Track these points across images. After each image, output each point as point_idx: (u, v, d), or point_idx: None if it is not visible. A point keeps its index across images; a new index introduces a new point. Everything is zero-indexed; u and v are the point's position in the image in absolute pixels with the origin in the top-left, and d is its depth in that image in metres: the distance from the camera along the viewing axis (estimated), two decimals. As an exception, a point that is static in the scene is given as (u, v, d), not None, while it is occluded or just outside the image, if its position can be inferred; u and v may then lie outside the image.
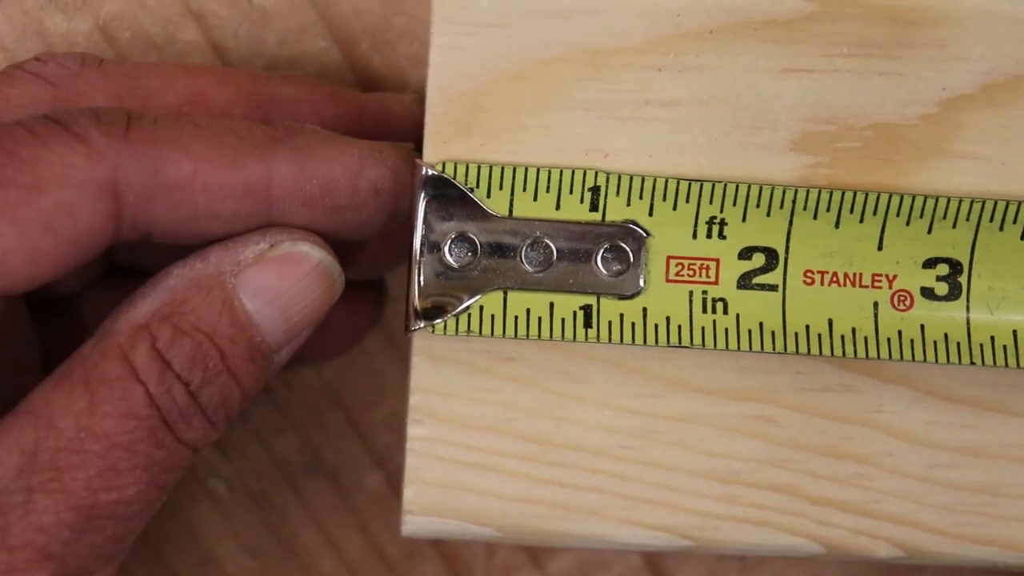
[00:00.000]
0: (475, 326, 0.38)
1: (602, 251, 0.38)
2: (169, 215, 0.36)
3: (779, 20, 0.38)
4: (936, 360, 0.38)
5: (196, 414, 0.36)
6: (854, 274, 0.38)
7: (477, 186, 0.38)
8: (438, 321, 0.38)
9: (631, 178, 0.38)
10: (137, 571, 0.46)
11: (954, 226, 0.38)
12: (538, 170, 0.38)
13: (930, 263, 0.38)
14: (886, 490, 0.39)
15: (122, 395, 0.35)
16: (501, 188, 0.38)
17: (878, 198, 0.38)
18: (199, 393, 0.36)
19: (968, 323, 0.38)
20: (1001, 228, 0.38)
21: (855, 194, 0.38)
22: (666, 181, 0.38)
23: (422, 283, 0.38)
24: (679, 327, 0.38)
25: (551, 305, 0.38)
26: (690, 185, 0.38)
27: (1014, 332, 0.38)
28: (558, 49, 0.38)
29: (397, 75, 0.44)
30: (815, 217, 0.38)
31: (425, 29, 0.41)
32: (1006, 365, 0.38)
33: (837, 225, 0.38)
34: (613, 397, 0.39)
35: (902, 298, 0.38)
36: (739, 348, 0.38)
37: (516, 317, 0.38)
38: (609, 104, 0.38)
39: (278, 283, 0.36)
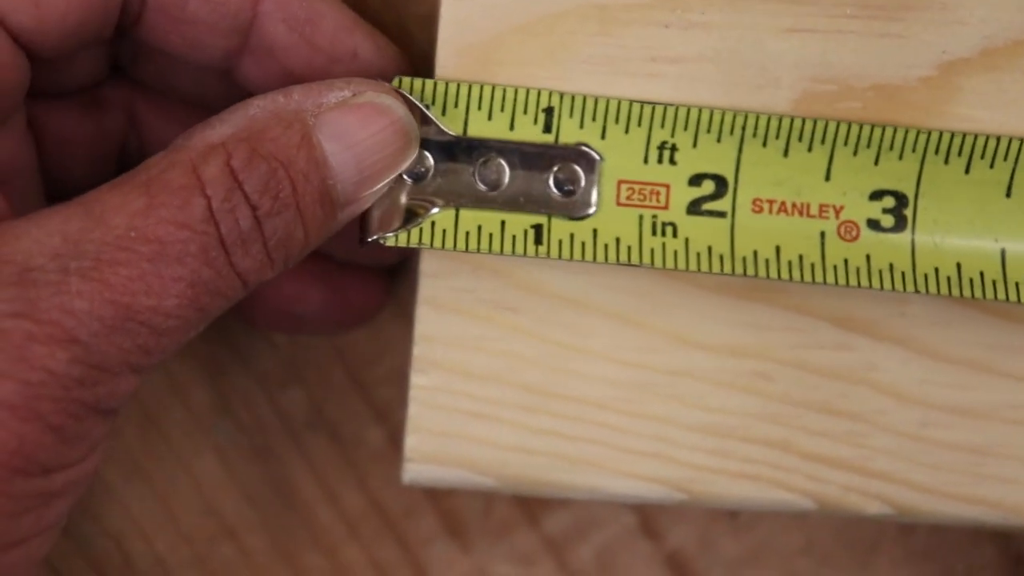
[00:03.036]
0: (427, 239, 0.38)
1: (554, 172, 0.38)
2: None
3: None
4: (881, 287, 0.38)
5: (256, 241, 0.35)
6: (802, 204, 0.38)
7: (433, 103, 0.38)
8: (390, 234, 0.38)
9: (584, 99, 0.38)
10: (142, 519, 0.46)
11: (900, 158, 0.38)
12: (492, 88, 0.38)
13: (877, 195, 0.38)
14: (878, 448, 0.39)
15: (182, 204, 0.34)
16: (456, 106, 0.38)
17: (826, 126, 0.38)
18: (265, 221, 0.35)
19: (913, 254, 0.38)
20: (947, 161, 0.38)
21: (803, 121, 0.38)
22: (619, 103, 0.38)
23: (377, 196, 0.38)
24: (628, 248, 0.38)
25: (502, 223, 0.38)
26: (642, 108, 0.38)
27: (958, 264, 0.38)
28: (566, 4, 0.38)
29: (404, 35, 0.43)
30: (764, 144, 0.38)
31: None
32: (949, 294, 0.38)
33: (786, 154, 0.38)
34: (613, 350, 0.39)
35: (848, 228, 0.38)
36: (687, 269, 0.38)
37: (467, 233, 0.38)
38: (616, 59, 0.38)
39: (358, 130, 0.36)
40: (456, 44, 0.38)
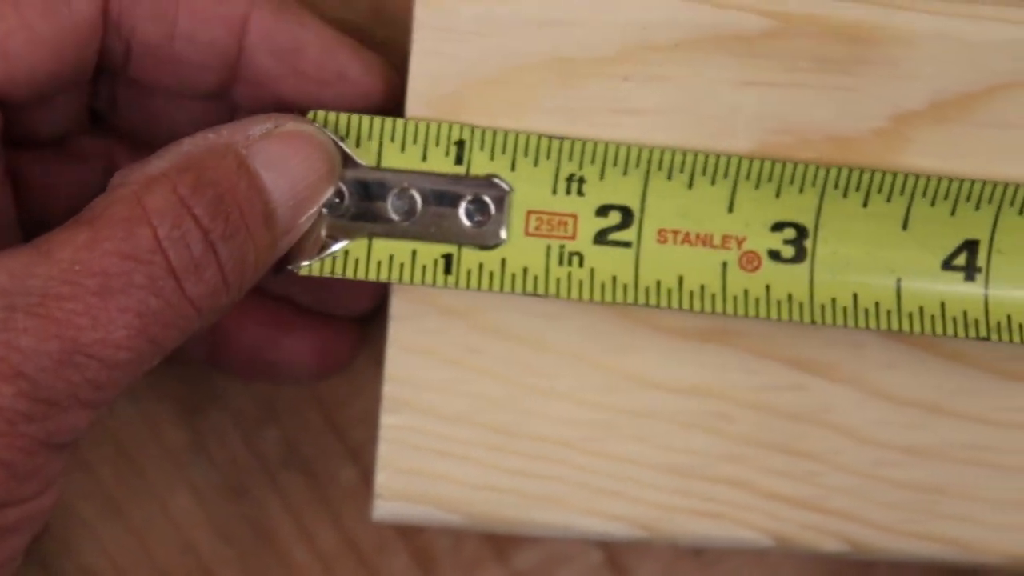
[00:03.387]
0: (339, 269, 0.38)
1: (465, 203, 0.38)
2: (149, 24, 0.37)
3: (742, 35, 0.39)
4: (779, 317, 0.38)
5: (210, 266, 0.35)
6: (705, 235, 0.38)
7: (347, 135, 0.38)
8: (304, 263, 0.38)
9: (494, 132, 0.38)
10: (118, 556, 0.46)
11: (801, 191, 0.38)
12: (405, 122, 0.38)
13: (778, 227, 0.39)
14: (835, 487, 0.40)
15: (126, 235, 0.34)
16: (370, 138, 0.38)
17: (728, 160, 0.38)
18: (219, 244, 0.35)
19: (812, 285, 0.39)
20: (845, 195, 0.38)
21: (707, 156, 0.38)
22: (527, 137, 0.38)
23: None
24: (535, 278, 0.38)
25: (414, 253, 0.38)
26: (550, 141, 0.38)
27: (855, 295, 0.39)
28: (532, 58, 0.39)
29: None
30: (669, 177, 0.38)
31: (407, 41, 0.41)
32: (845, 325, 0.39)
33: (690, 186, 0.38)
34: (577, 391, 0.40)
35: (750, 259, 0.39)
36: (591, 299, 0.38)
37: (379, 262, 0.38)
38: (579, 111, 0.39)
39: (288, 156, 0.37)
40: (425, 96, 0.39)
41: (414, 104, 0.39)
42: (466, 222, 0.39)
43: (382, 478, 0.39)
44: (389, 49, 0.43)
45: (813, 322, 0.39)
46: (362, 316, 0.45)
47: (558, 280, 0.39)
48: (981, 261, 0.39)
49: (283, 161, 0.37)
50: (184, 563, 0.46)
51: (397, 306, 0.40)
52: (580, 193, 0.39)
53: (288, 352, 0.43)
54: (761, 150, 0.39)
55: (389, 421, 0.39)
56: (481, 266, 0.39)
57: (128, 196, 0.35)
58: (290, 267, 0.38)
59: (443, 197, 0.39)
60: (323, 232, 0.38)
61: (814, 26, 0.39)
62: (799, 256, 0.39)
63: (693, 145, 0.39)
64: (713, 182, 0.38)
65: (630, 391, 0.40)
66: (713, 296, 0.39)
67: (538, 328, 0.40)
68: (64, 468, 0.35)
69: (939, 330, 0.39)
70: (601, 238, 0.39)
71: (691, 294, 0.39)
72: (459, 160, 0.39)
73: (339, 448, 0.47)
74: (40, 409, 0.33)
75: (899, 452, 0.40)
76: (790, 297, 0.39)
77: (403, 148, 0.38)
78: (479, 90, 0.39)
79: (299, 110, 0.38)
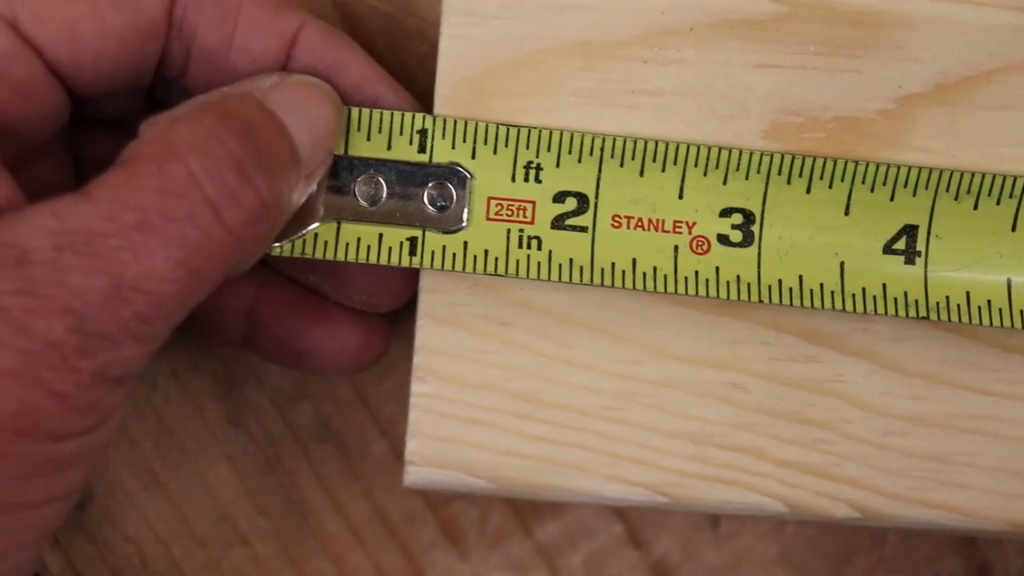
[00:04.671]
0: (309, 250, 0.39)
1: (428, 189, 0.40)
2: (210, 30, 0.38)
3: (753, 20, 0.40)
4: (728, 298, 0.39)
5: (248, 194, 0.35)
6: (657, 220, 0.39)
7: None
8: (275, 245, 0.39)
9: (455, 122, 0.39)
10: (159, 526, 0.47)
11: (747, 178, 0.39)
12: (371, 111, 0.39)
13: (726, 212, 0.39)
14: (844, 455, 0.40)
15: (159, 170, 0.35)
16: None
17: (677, 148, 0.39)
18: (254, 173, 0.36)
19: (759, 267, 0.39)
20: (789, 182, 0.39)
21: (656, 144, 0.39)
22: (487, 126, 0.39)
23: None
24: (496, 259, 0.39)
25: (380, 236, 0.39)
26: (508, 130, 0.39)
27: (800, 276, 0.39)
28: (554, 41, 0.40)
29: (407, 72, 0.45)
30: (621, 165, 0.39)
31: (434, 30, 0.43)
32: (791, 304, 0.39)
33: (642, 174, 0.39)
34: (599, 361, 0.40)
35: (700, 243, 0.39)
36: (549, 279, 0.39)
37: (347, 244, 0.39)
38: (599, 92, 0.40)
39: (300, 101, 0.38)
40: (453, 77, 0.40)
41: (443, 85, 0.40)
42: (430, 208, 0.40)
43: (413, 445, 0.40)
44: (419, 38, 0.45)
45: (760, 302, 0.39)
46: (390, 312, 0.45)
47: (517, 262, 0.40)
48: (920, 245, 0.40)
49: (297, 104, 0.38)
50: (221, 532, 0.47)
51: (427, 280, 0.41)
52: (538, 180, 0.40)
53: (318, 343, 0.44)
54: (773, 130, 0.40)
55: (420, 390, 0.40)
56: (444, 248, 0.40)
57: (157, 135, 0.35)
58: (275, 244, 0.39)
59: (407, 183, 0.40)
60: (320, 207, 0.39)
61: (822, 11, 0.40)
62: (747, 240, 0.40)
63: (708, 124, 0.40)
64: (663, 169, 0.39)
65: (649, 362, 0.41)
66: (665, 277, 0.39)
67: (563, 302, 0.40)
68: (121, 403, 0.35)
69: (880, 310, 0.39)
70: (558, 223, 0.40)
71: (644, 275, 0.39)
72: (422, 148, 0.40)
73: (370, 423, 0.47)
74: (92, 343, 0.33)
75: (905, 422, 0.41)
76: (738, 279, 0.40)
77: (369, 137, 0.40)
78: (504, 72, 0.40)
79: None
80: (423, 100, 0.42)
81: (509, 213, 0.40)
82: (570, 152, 0.39)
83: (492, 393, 0.41)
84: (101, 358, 0.34)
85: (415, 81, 0.45)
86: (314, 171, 0.38)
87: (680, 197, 0.39)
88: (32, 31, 0.37)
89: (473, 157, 0.40)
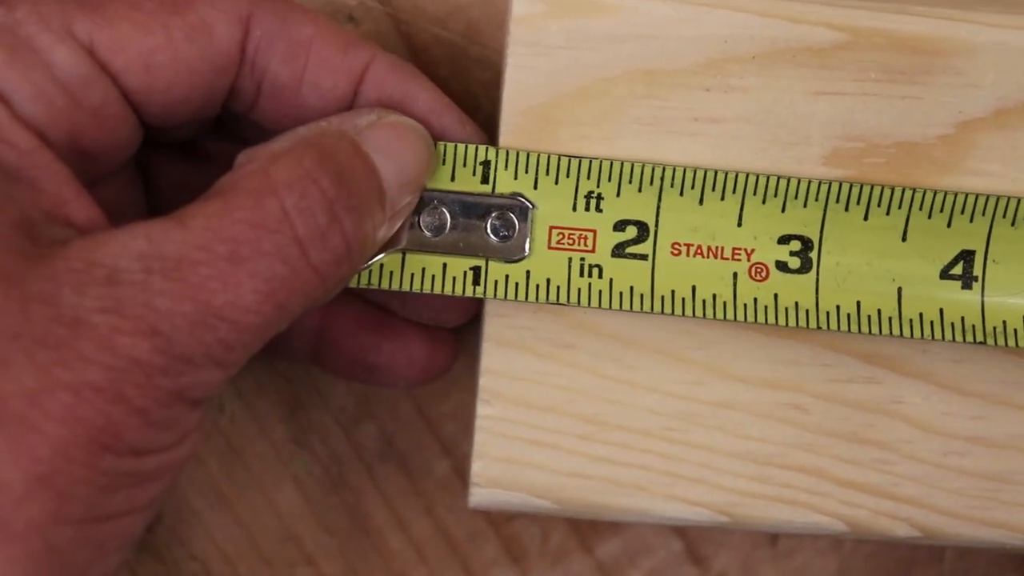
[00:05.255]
0: (375, 280, 0.40)
1: (491, 219, 0.40)
2: (281, 66, 0.39)
3: (814, 48, 0.40)
4: (787, 324, 0.40)
5: (335, 235, 0.36)
6: (716, 247, 0.40)
7: None
8: None
9: (517, 153, 0.40)
10: (226, 545, 0.47)
11: (805, 206, 0.40)
12: (435, 144, 0.40)
13: (784, 239, 0.40)
14: (904, 474, 0.41)
15: (254, 205, 0.35)
16: None
17: (736, 177, 0.40)
18: (344, 215, 0.36)
19: (817, 293, 0.40)
20: (847, 209, 0.40)
21: (715, 173, 0.40)
22: (548, 157, 0.40)
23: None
24: (558, 288, 0.40)
25: (444, 266, 0.40)
26: (569, 161, 0.40)
27: (857, 303, 0.40)
28: (617, 70, 0.40)
29: (471, 99, 0.45)
30: (681, 194, 0.40)
31: (498, 58, 0.44)
32: (849, 330, 0.40)
33: (701, 202, 0.40)
34: (660, 383, 0.41)
35: (759, 270, 0.40)
36: (611, 307, 0.40)
37: (412, 274, 0.40)
38: (662, 120, 0.40)
39: (394, 142, 0.39)
40: (519, 106, 0.40)
41: (508, 114, 0.40)
42: (492, 237, 0.40)
43: (478, 467, 0.41)
44: (482, 65, 0.45)
45: (819, 328, 0.40)
46: (456, 328, 0.45)
47: (579, 290, 0.40)
48: (977, 270, 0.40)
49: (390, 147, 0.38)
50: (287, 551, 0.47)
51: (492, 304, 0.41)
52: (598, 209, 0.40)
53: (387, 357, 0.44)
54: (834, 156, 0.40)
55: (485, 412, 0.41)
56: (507, 278, 0.40)
57: (256, 170, 0.36)
58: None
59: (471, 214, 0.40)
60: (404, 238, 0.40)
61: (882, 38, 0.40)
62: (805, 267, 0.40)
63: (769, 151, 0.40)
64: (723, 198, 0.40)
65: (711, 383, 0.41)
66: (724, 304, 0.40)
67: (625, 324, 0.41)
68: (199, 424, 0.36)
69: (937, 335, 0.40)
70: (619, 251, 0.40)
71: (704, 302, 0.40)
72: (485, 179, 0.40)
73: (433, 442, 0.48)
74: (175, 365, 0.34)
75: (965, 442, 0.41)
76: (797, 305, 0.40)
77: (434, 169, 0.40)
78: (568, 101, 0.40)
79: None
80: (488, 127, 0.42)
81: (571, 242, 0.40)
82: (630, 182, 0.40)
83: (556, 415, 0.41)
84: (183, 379, 0.35)
85: (480, 108, 0.45)
86: (401, 209, 0.39)
87: (739, 224, 0.40)
88: (109, 58, 0.37)
89: (535, 187, 0.40)
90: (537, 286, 0.40)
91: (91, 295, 0.34)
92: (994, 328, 0.40)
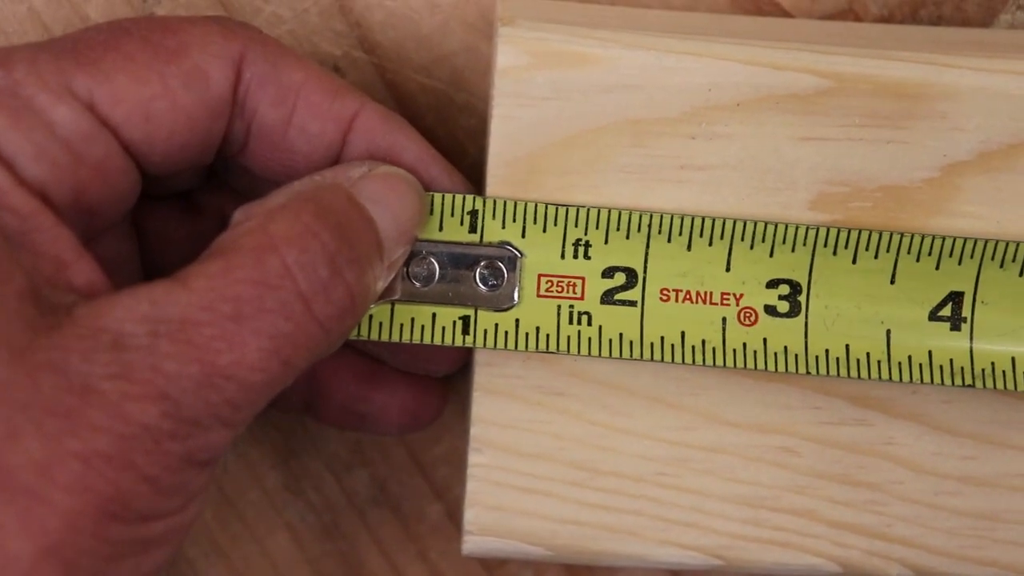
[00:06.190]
0: (364, 332, 0.40)
1: (480, 268, 0.40)
2: (270, 109, 0.39)
3: (799, 94, 0.40)
4: (776, 369, 0.40)
5: (338, 287, 0.36)
6: (705, 292, 0.40)
7: None
8: None
9: (505, 202, 0.40)
10: None
11: (793, 250, 0.40)
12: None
13: (773, 283, 0.40)
14: (897, 515, 0.41)
15: (255, 263, 0.35)
16: None
17: (723, 224, 0.40)
18: (346, 267, 0.36)
19: (806, 337, 0.40)
20: (835, 253, 0.40)
21: (703, 220, 0.40)
22: (536, 205, 0.40)
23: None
24: (547, 336, 0.40)
25: (433, 316, 0.40)
26: (556, 209, 0.40)
27: (846, 346, 0.40)
28: (603, 120, 0.40)
29: (457, 146, 0.45)
30: (669, 240, 0.40)
31: (483, 105, 0.44)
32: (838, 375, 0.40)
33: (689, 248, 0.40)
34: (652, 429, 0.41)
35: (748, 314, 0.40)
36: (599, 355, 0.40)
37: (402, 325, 0.40)
38: (648, 168, 0.40)
39: (388, 193, 0.39)
40: (505, 156, 0.40)
41: (495, 165, 0.40)
42: (481, 286, 0.40)
43: (471, 515, 0.41)
44: (468, 112, 0.45)
45: (808, 372, 0.40)
46: (445, 376, 0.45)
47: (568, 338, 0.40)
48: (966, 311, 0.40)
49: (384, 197, 0.38)
50: None
51: (481, 353, 0.41)
52: (587, 256, 0.40)
53: (379, 406, 0.44)
54: (820, 200, 0.40)
55: (476, 460, 0.41)
56: (496, 326, 0.40)
57: (255, 227, 0.36)
58: None
59: (459, 263, 0.40)
60: (398, 288, 0.40)
61: (865, 84, 0.40)
62: (793, 311, 0.40)
63: (756, 197, 0.40)
64: (710, 243, 0.40)
65: (702, 428, 0.41)
66: (714, 349, 0.40)
67: (615, 371, 0.41)
68: (205, 485, 0.36)
69: (926, 378, 0.40)
70: (608, 298, 0.40)
71: (693, 348, 0.40)
72: (473, 228, 0.40)
73: (425, 486, 0.48)
74: (183, 428, 0.34)
75: (957, 481, 0.41)
76: (786, 349, 0.40)
77: None
78: (555, 151, 0.40)
79: None
80: (474, 174, 0.42)
81: (559, 290, 0.40)
82: (618, 229, 0.40)
83: (547, 462, 0.41)
84: (191, 442, 0.35)
85: (465, 155, 0.45)
86: (396, 260, 0.39)
87: (727, 270, 0.40)
88: (109, 112, 0.37)
89: (523, 236, 0.40)
90: (527, 334, 0.40)
91: (99, 361, 0.34)
92: (983, 370, 0.40)
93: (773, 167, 0.40)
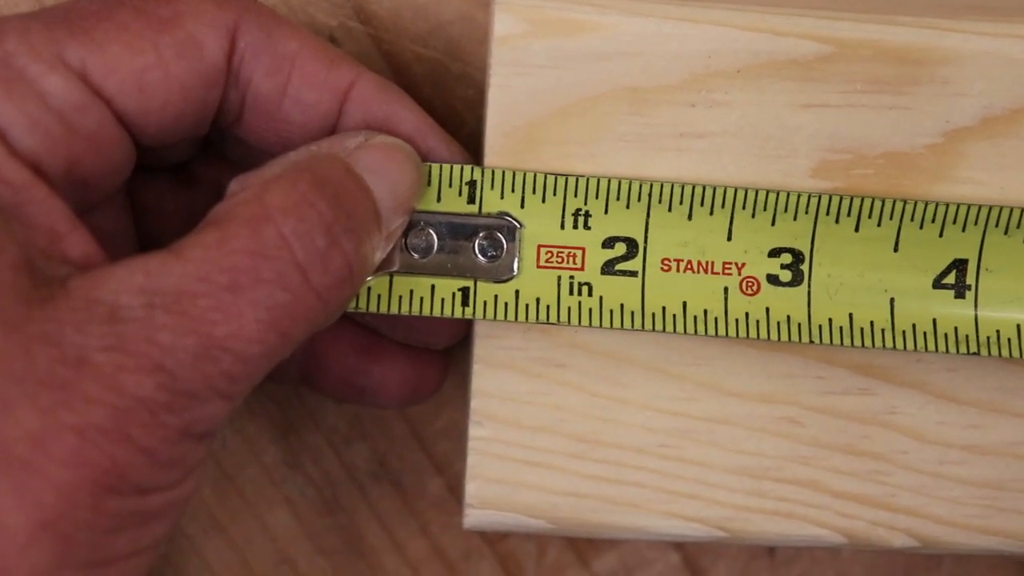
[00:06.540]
0: (363, 304, 0.40)
1: (479, 239, 0.40)
2: (264, 79, 0.39)
3: (799, 60, 0.40)
4: (779, 338, 0.40)
5: (336, 257, 0.36)
6: (707, 262, 0.40)
7: None
8: None
9: (503, 172, 0.40)
10: (221, 570, 0.47)
11: (795, 219, 0.39)
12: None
13: (775, 252, 0.40)
14: (901, 485, 0.41)
15: (252, 232, 0.35)
16: None
17: (724, 191, 0.39)
18: (343, 236, 0.36)
19: (809, 306, 0.40)
20: (837, 221, 0.39)
21: (704, 188, 0.39)
22: (535, 175, 0.40)
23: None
24: (548, 307, 0.40)
25: (432, 287, 0.40)
26: (556, 179, 0.40)
27: (850, 315, 0.40)
28: (602, 88, 0.40)
29: (454, 117, 0.45)
30: (669, 209, 0.39)
31: (480, 75, 0.44)
32: (841, 344, 0.40)
33: (690, 217, 0.39)
34: (653, 400, 0.41)
35: (750, 284, 0.40)
36: (601, 325, 0.39)
37: (400, 296, 0.40)
38: (647, 136, 0.40)
39: (385, 163, 0.38)
40: (503, 126, 0.40)
41: (493, 135, 0.40)
42: (480, 258, 0.40)
43: (472, 488, 0.41)
44: (465, 82, 0.45)
45: (811, 341, 0.40)
46: (445, 349, 0.45)
47: (569, 309, 0.40)
48: (970, 279, 0.40)
49: (381, 167, 0.38)
50: (282, 574, 0.47)
51: (481, 325, 0.41)
52: (587, 227, 0.40)
53: (378, 379, 0.44)
54: (821, 168, 0.40)
55: (477, 433, 0.41)
56: (496, 298, 0.40)
57: (251, 197, 0.36)
58: None
59: (458, 234, 0.40)
60: (397, 259, 0.40)
61: (867, 49, 0.40)
62: (796, 279, 0.40)
63: (757, 164, 0.40)
64: (711, 212, 0.40)
65: (704, 399, 0.41)
66: (716, 319, 0.40)
67: (617, 342, 0.41)
68: (203, 458, 0.36)
69: (931, 347, 0.40)
70: (608, 268, 0.40)
71: (695, 318, 0.40)
72: (471, 199, 0.40)
73: (425, 461, 0.48)
74: (180, 401, 0.34)
75: (961, 450, 0.41)
76: (788, 318, 0.40)
77: None
78: (553, 120, 0.40)
79: None
80: (471, 144, 0.42)
81: (559, 260, 0.40)
82: (618, 198, 0.40)
83: (548, 435, 0.41)
84: (188, 415, 0.34)
85: (463, 125, 0.45)
86: (394, 231, 0.39)
87: (729, 239, 0.40)
88: (102, 82, 0.37)
89: (522, 206, 0.40)
90: (527, 306, 0.40)
91: (94, 334, 0.34)
92: (987, 338, 0.40)
93: (774, 134, 0.40)
